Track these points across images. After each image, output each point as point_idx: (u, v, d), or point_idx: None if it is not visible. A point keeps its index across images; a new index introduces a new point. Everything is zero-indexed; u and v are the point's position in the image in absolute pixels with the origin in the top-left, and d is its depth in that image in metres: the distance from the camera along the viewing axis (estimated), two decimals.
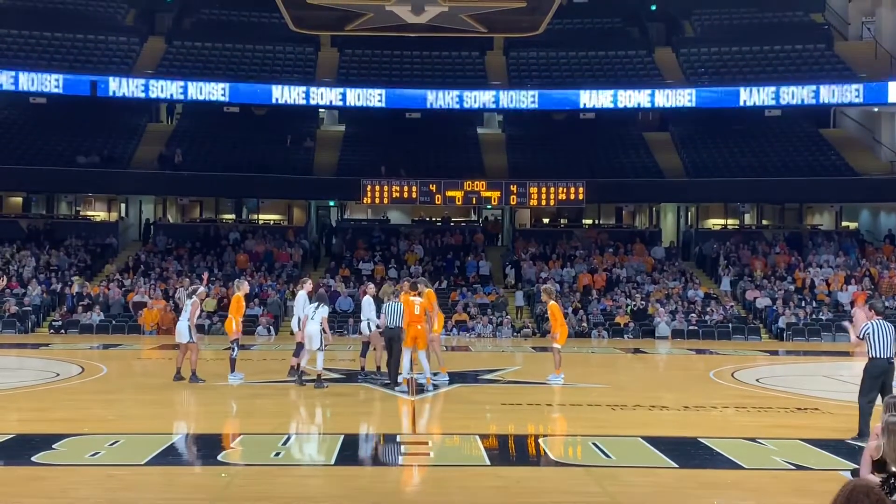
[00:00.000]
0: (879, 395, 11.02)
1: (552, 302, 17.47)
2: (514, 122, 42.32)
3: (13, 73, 35.92)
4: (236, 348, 16.75)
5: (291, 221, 41.61)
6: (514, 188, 36.31)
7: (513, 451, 10.76)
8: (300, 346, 16.19)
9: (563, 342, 17.23)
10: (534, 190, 36.22)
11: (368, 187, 36.25)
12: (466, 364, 19.76)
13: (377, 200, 36.85)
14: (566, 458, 10.39)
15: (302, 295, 16.66)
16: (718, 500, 8.46)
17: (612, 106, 37.45)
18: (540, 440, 11.16)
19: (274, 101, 37.47)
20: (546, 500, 8.23)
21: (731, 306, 32.72)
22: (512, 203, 37.01)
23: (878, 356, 11.14)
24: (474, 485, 8.76)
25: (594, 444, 10.64)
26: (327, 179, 38.07)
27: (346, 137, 41.72)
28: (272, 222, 41.55)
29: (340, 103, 38.32)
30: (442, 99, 37.48)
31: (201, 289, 17.26)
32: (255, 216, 41.63)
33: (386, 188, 36.35)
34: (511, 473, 9.30)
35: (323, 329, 15.57)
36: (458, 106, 37.74)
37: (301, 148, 39.88)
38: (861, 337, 11.30)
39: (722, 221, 41.22)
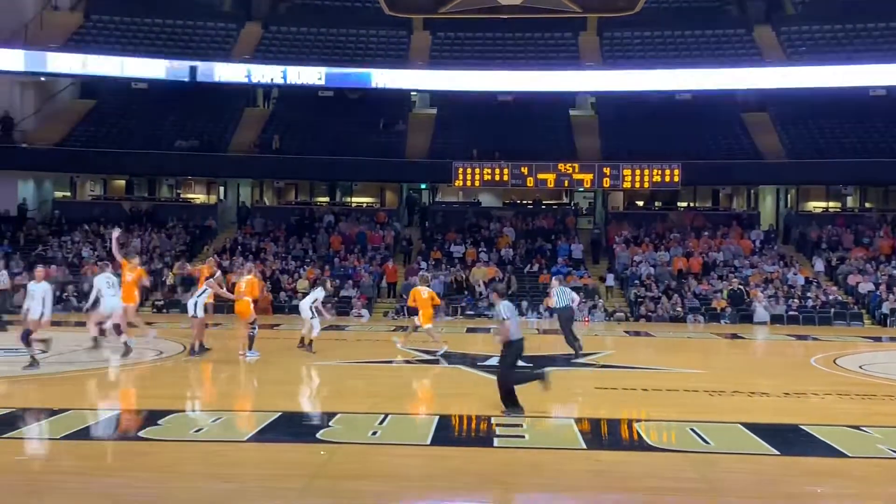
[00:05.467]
0: None
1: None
2: (607, 104, 41.80)
3: (120, 60, 37.04)
4: (256, 328, 17.43)
5: (384, 204, 41.96)
6: (607, 170, 35.95)
7: (609, 435, 10.68)
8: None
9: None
10: (627, 172, 35.81)
11: (460, 170, 36.32)
12: (559, 348, 19.63)
13: (468, 183, 36.89)
14: (663, 443, 10.26)
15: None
16: (822, 488, 8.26)
17: (713, 87, 36.73)
18: (636, 425, 11.03)
19: (374, 85, 37.83)
20: (644, 486, 8.15)
21: (833, 293, 31.82)
22: (605, 185, 36.65)
23: None
24: (571, 468, 8.73)
25: (692, 429, 10.47)
26: (419, 162, 38.27)
27: (438, 121, 41.84)
28: (365, 205, 41.97)
29: (436, 87, 38.46)
30: (539, 81, 37.28)
31: (218, 273, 18.35)
32: (349, 199, 42.09)
33: (477, 171, 36.37)
34: (608, 458, 9.23)
35: (317, 308, 18.10)
36: (554, 88, 37.51)
37: (393, 131, 40.16)
38: None
39: (823, 204, 40.11)
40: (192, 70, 37.20)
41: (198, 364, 16.50)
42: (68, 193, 40.92)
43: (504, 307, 11.41)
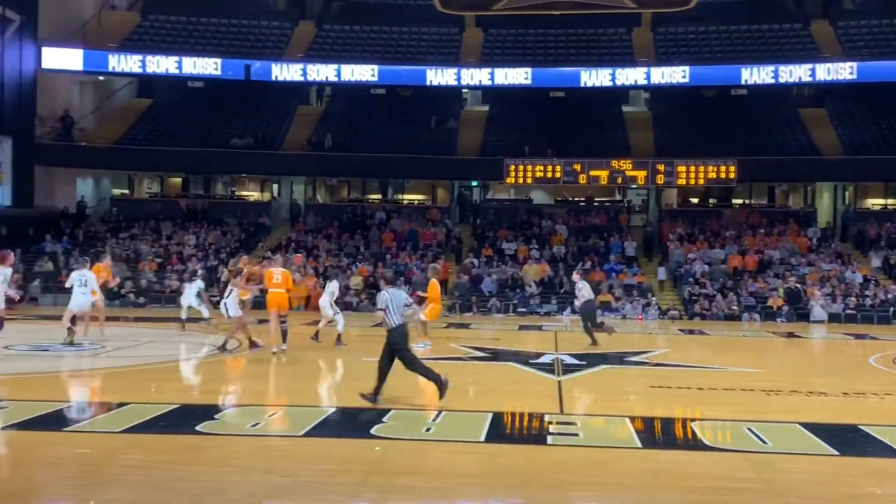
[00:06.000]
0: None
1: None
2: (660, 100, 41.48)
3: (177, 59, 37.61)
4: (286, 321, 17.53)
5: (435, 202, 42.03)
6: (660, 167, 35.67)
7: (664, 434, 10.58)
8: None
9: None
10: (682, 169, 35.49)
11: (512, 167, 36.25)
12: (612, 345, 19.52)
13: (520, 180, 36.82)
14: (720, 442, 10.15)
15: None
16: (882, 489, 8.10)
17: (772, 81, 36.31)
18: (692, 424, 10.93)
19: (428, 83, 38.04)
20: (701, 485, 8.06)
21: (893, 291, 31.21)
22: (659, 182, 36.35)
23: None
24: (626, 467, 8.66)
25: (749, 429, 10.35)
26: (471, 160, 38.29)
27: (490, 118, 41.81)
28: (416, 202, 42.08)
29: (489, 83, 38.52)
30: (595, 77, 37.15)
31: (245, 270, 18.53)
32: (400, 196, 42.23)
33: (529, 168, 36.28)
34: (663, 457, 9.15)
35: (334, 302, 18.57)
36: (610, 84, 37.33)
37: (445, 129, 40.21)
38: None
39: (882, 201, 39.35)
40: (247, 68, 37.64)
41: (253, 359, 16.65)
42: (126, 191, 41.64)
43: (387, 295, 11.60)
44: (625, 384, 14.88)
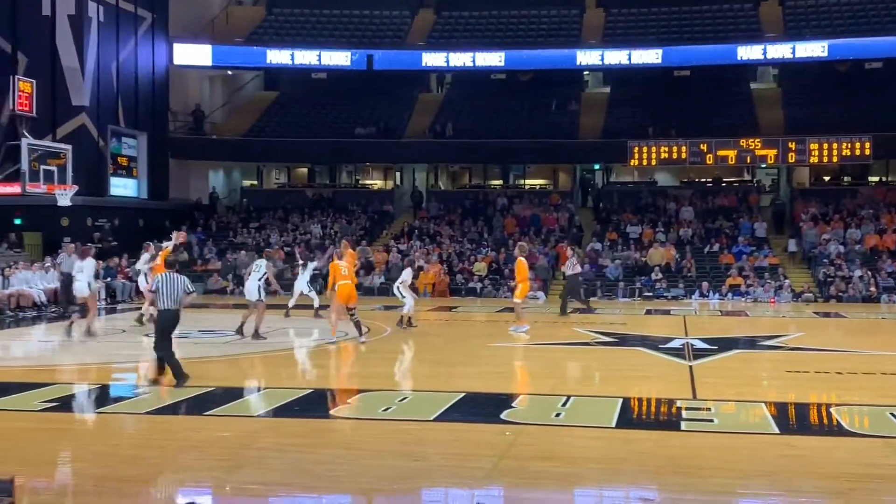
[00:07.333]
0: None
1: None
2: (790, 76, 40.07)
3: (300, 51, 38.55)
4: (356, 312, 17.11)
5: (557, 186, 41.73)
6: (791, 145, 34.50)
7: (802, 419, 10.26)
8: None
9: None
10: (814, 146, 34.25)
11: (635, 149, 35.63)
12: (744, 329, 19.05)
13: (644, 162, 36.14)
14: (861, 428, 9.79)
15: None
16: None
17: None
18: (832, 409, 10.56)
19: (546, 66, 37.85)
20: (844, 472, 7.79)
21: None
22: (790, 161, 35.16)
23: None
24: (764, 453, 8.43)
25: (892, 414, 9.97)
26: (592, 142, 37.79)
27: (611, 99, 41.18)
28: (538, 187, 41.85)
29: (608, 63, 38.10)
30: (717, 54, 36.28)
31: (275, 255, 18.86)
32: (522, 181, 42.09)
33: (654, 149, 35.59)
34: (803, 443, 8.88)
35: (404, 287, 19.09)
36: (732, 60, 36.46)
37: (566, 112, 39.84)
38: None
39: None
40: (369, 58, 38.11)
41: (380, 345, 16.87)
42: (255, 182, 42.77)
43: (158, 278, 11.99)
44: (759, 369, 14.52)
